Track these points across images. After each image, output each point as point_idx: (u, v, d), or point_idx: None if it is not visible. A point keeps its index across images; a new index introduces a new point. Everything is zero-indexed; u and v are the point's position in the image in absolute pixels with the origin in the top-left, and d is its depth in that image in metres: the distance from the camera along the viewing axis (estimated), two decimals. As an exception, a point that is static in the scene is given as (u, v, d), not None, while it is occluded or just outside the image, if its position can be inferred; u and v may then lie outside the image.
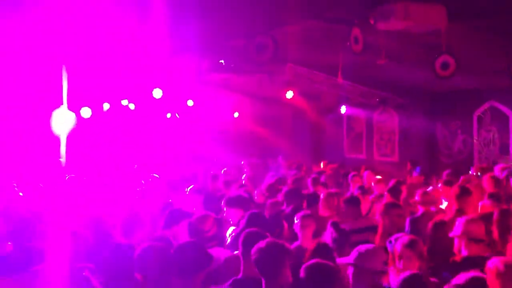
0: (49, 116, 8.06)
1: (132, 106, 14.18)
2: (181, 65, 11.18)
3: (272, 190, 7.98)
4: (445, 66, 7.45)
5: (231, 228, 5.69)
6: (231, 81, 13.78)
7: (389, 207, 5.94)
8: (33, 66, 8.08)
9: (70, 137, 8.08)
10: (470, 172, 9.25)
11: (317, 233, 5.41)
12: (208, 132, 17.29)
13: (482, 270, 3.51)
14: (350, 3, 6.95)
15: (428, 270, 4.42)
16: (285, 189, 7.43)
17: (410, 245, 4.21)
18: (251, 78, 13.36)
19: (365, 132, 16.14)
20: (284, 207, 6.75)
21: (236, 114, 17.67)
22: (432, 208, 6.57)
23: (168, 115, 16.42)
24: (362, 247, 3.77)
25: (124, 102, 13.81)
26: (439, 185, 8.11)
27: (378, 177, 9.08)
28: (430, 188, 8.04)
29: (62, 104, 7.80)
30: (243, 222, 5.16)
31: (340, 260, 4.03)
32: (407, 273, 3.33)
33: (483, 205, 6.15)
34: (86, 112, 12.62)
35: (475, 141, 12.71)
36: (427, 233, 5.38)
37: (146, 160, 13.61)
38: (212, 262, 3.76)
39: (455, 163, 12.71)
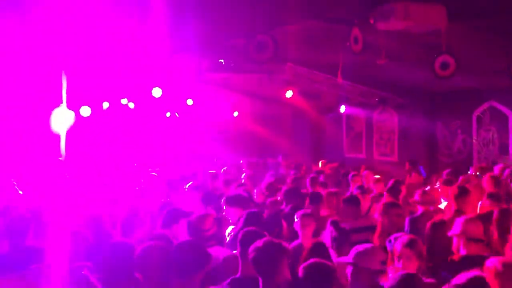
0: (48, 115, 8.06)
1: (131, 105, 14.13)
2: (181, 64, 11.16)
3: (272, 189, 7.99)
4: (445, 66, 7.44)
5: (231, 227, 5.70)
6: (231, 81, 13.77)
7: (388, 206, 5.95)
8: (33, 65, 8.07)
9: (70, 136, 8.09)
10: (469, 172, 9.25)
11: (317, 232, 5.43)
12: (208, 132, 17.30)
13: (481, 270, 3.51)
14: (350, 3, 6.95)
15: (427, 269, 4.43)
16: (284, 188, 7.45)
17: (410, 244, 4.22)
18: (251, 78, 13.33)
19: (364, 132, 16.12)
20: (283, 206, 6.76)
21: (235, 114, 17.65)
22: (431, 208, 6.58)
23: (168, 114, 16.40)
24: (361, 247, 3.77)
25: (124, 101, 13.77)
26: (437, 185, 8.12)
27: (377, 176, 9.09)
28: (428, 187, 8.05)
29: (61, 103, 7.81)
30: (241, 221, 5.17)
31: (339, 259, 4.03)
32: (399, 274, 3.33)
33: (482, 204, 6.16)
34: (85, 111, 12.61)
35: (474, 141, 12.70)
36: (426, 232, 5.39)
37: (146, 159, 13.62)
38: (211, 261, 3.75)
39: (455, 163, 12.69)
